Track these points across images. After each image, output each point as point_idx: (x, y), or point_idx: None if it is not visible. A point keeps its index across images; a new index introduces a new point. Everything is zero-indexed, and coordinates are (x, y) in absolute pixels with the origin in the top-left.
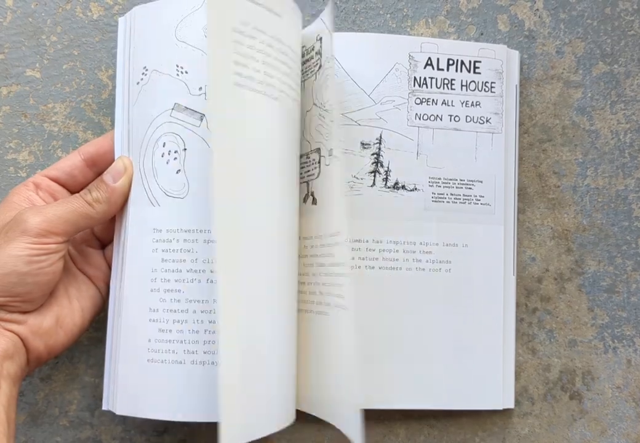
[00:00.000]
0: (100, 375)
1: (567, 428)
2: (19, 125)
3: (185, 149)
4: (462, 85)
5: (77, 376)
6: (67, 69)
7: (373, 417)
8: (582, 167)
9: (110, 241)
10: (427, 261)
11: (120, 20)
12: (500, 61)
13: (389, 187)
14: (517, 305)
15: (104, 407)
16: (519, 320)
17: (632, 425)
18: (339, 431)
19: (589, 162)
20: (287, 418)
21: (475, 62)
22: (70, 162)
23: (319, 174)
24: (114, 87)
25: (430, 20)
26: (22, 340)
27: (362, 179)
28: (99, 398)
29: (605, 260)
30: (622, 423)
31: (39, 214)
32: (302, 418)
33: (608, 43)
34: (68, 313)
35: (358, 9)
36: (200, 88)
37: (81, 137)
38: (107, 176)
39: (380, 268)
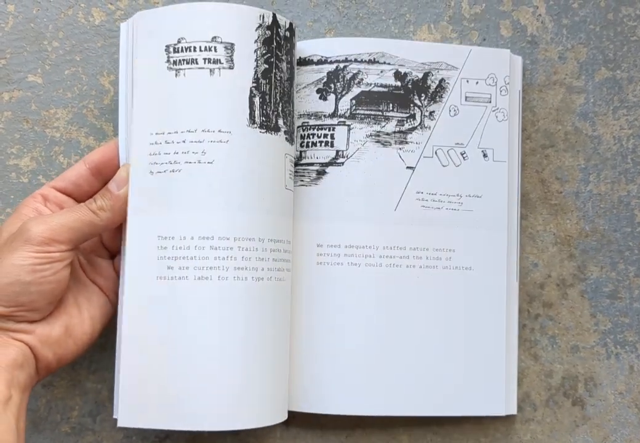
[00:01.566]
0: (102, 381)
1: (569, 435)
2: (21, 131)
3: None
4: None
5: (79, 382)
6: (69, 74)
7: (376, 424)
8: (585, 173)
9: (119, 250)
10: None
11: (122, 25)
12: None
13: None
14: (520, 311)
15: (115, 416)
16: (521, 326)
17: (635, 431)
18: (342, 437)
19: (592, 167)
20: (276, 416)
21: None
22: (76, 172)
23: None
24: (116, 92)
25: (432, 25)
26: (31, 349)
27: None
28: (100, 404)
29: (608, 266)
30: (625, 429)
31: (43, 223)
32: (305, 423)
33: (610, 49)
34: (77, 322)
35: (360, 15)
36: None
37: (83, 143)
38: (112, 184)
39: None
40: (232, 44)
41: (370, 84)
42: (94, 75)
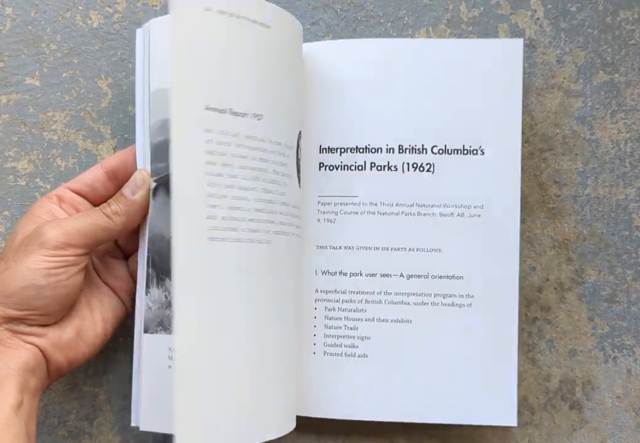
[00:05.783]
0: (99, 384)
1: (567, 438)
2: (19, 134)
3: None
4: None
5: (75, 386)
6: (66, 77)
7: (373, 427)
8: (583, 177)
9: (134, 251)
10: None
11: (139, 31)
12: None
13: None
14: (517, 314)
15: (133, 423)
16: (519, 330)
17: (632, 435)
18: (339, 440)
19: (590, 171)
20: (285, 426)
21: None
22: (92, 175)
23: None
24: (114, 95)
25: (431, 28)
26: (42, 352)
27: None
28: (97, 408)
29: (606, 269)
30: (622, 433)
31: (58, 227)
32: (302, 427)
33: (609, 52)
34: (89, 325)
35: (359, 18)
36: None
37: (81, 146)
38: (126, 189)
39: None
40: None
41: None
42: (92, 78)
